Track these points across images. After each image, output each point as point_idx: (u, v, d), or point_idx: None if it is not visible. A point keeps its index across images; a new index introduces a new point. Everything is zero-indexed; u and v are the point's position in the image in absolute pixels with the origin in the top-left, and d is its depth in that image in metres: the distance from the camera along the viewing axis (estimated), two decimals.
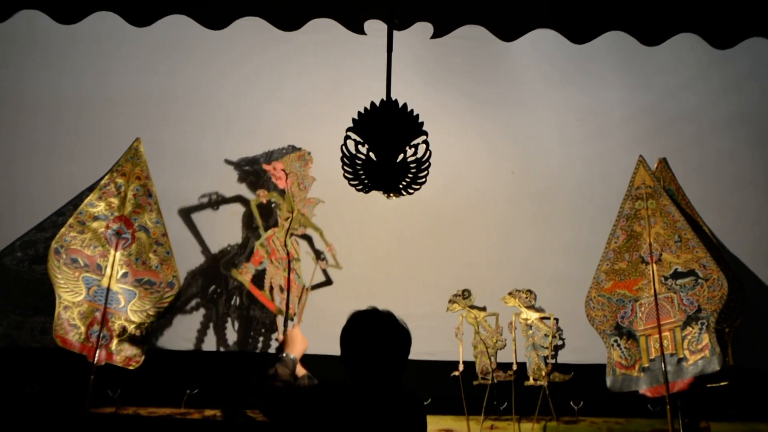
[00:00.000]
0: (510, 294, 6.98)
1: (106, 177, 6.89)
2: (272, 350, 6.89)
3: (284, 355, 4.37)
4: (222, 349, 7.06)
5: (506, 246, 7.41)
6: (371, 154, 4.93)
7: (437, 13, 7.23)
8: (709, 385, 6.53)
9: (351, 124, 4.93)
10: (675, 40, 7.61)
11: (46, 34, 7.64)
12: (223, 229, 7.30)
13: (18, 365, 6.59)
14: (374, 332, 3.70)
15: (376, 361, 3.65)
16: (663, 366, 6.40)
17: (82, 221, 6.68)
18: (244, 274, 6.99)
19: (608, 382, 6.66)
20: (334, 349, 3.60)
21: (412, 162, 4.95)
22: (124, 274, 6.72)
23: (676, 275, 6.62)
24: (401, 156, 4.91)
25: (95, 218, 6.73)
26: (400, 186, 4.98)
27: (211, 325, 7.14)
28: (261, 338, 7.04)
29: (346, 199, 7.05)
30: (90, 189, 6.99)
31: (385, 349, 3.67)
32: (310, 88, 7.66)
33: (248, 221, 7.31)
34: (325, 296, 7.19)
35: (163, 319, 6.83)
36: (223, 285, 7.22)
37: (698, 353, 6.37)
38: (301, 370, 4.63)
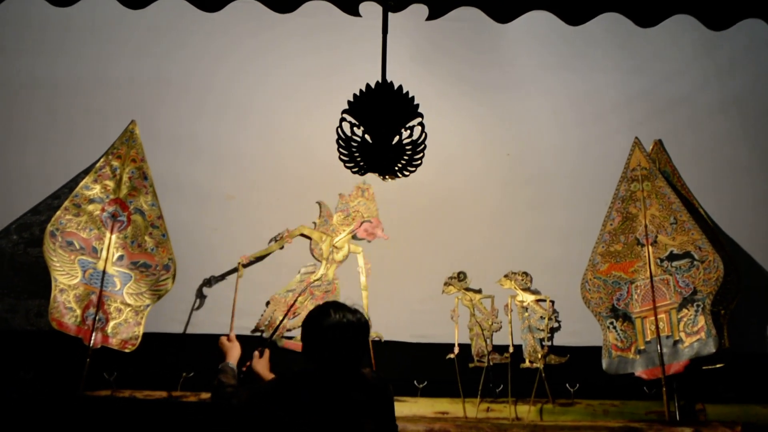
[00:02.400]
0: (506, 276, 6.99)
1: (102, 160, 6.89)
2: (266, 333, 6.90)
3: (225, 363, 4.44)
4: (218, 332, 7.05)
5: (502, 228, 7.39)
6: (367, 137, 4.92)
7: None
8: (704, 368, 6.55)
9: (346, 106, 4.92)
10: (670, 23, 7.62)
11: (40, 18, 7.60)
12: (218, 211, 7.28)
13: (13, 349, 6.58)
14: (329, 322, 3.77)
15: (331, 347, 3.72)
16: (659, 348, 6.41)
17: (78, 204, 6.68)
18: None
19: (604, 364, 6.68)
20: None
21: (407, 144, 4.94)
22: (120, 257, 6.72)
23: (672, 257, 6.62)
24: (397, 138, 4.90)
25: (91, 201, 6.72)
26: (396, 168, 4.97)
27: (207, 307, 7.12)
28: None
29: (341, 182, 7.08)
30: (85, 172, 6.98)
31: (339, 336, 3.74)
32: (305, 70, 7.62)
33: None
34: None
35: (159, 301, 6.81)
36: (219, 268, 7.20)
37: (694, 335, 6.39)
38: None
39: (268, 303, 7.01)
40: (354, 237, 7.28)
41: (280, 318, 6.75)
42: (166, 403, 6.27)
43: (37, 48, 7.54)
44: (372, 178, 5.23)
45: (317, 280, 7.06)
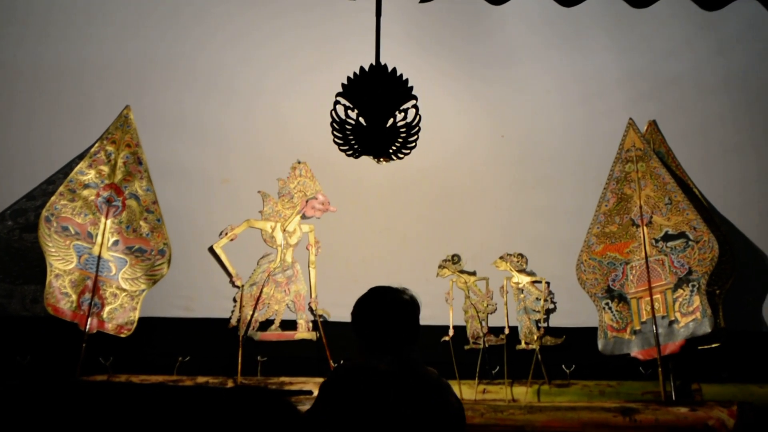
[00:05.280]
0: (501, 258, 6.99)
1: (96, 145, 6.88)
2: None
3: None
4: (214, 317, 7.06)
5: (496, 210, 7.39)
6: (361, 119, 4.91)
7: None
8: (700, 347, 6.56)
9: (340, 89, 4.91)
10: (664, 3, 7.57)
11: (32, 3, 7.57)
12: (214, 196, 7.29)
13: (9, 334, 6.58)
14: (378, 303, 3.66)
15: (382, 330, 3.60)
16: (654, 328, 6.42)
17: (73, 189, 6.67)
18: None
19: (600, 345, 6.68)
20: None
21: (401, 126, 4.93)
22: (115, 242, 6.72)
23: (667, 237, 6.62)
24: (391, 120, 4.89)
25: (85, 186, 6.72)
26: (390, 151, 4.96)
27: (204, 292, 7.14)
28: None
29: (334, 165, 7.05)
30: (80, 157, 6.97)
31: (389, 319, 3.62)
32: (299, 53, 7.59)
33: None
34: (318, 262, 7.23)
35: (154, 286, 6.81)
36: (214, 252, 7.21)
37: (689, 315, 6.39)
38: None
39: (235, 300, 7.05)
40: (303, 216, 7.33)
41: (250, 313, 6.82)
42: (162, 388, 6.27)
43: (27, 33, 7.50)
44: (365, 161, 5.22)
45: (277, 267, 7.10)
